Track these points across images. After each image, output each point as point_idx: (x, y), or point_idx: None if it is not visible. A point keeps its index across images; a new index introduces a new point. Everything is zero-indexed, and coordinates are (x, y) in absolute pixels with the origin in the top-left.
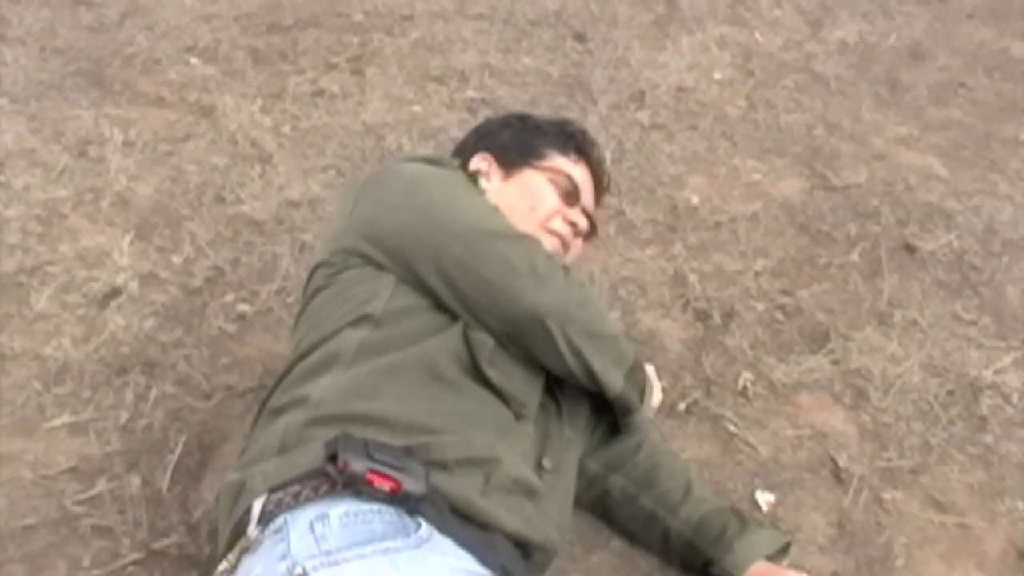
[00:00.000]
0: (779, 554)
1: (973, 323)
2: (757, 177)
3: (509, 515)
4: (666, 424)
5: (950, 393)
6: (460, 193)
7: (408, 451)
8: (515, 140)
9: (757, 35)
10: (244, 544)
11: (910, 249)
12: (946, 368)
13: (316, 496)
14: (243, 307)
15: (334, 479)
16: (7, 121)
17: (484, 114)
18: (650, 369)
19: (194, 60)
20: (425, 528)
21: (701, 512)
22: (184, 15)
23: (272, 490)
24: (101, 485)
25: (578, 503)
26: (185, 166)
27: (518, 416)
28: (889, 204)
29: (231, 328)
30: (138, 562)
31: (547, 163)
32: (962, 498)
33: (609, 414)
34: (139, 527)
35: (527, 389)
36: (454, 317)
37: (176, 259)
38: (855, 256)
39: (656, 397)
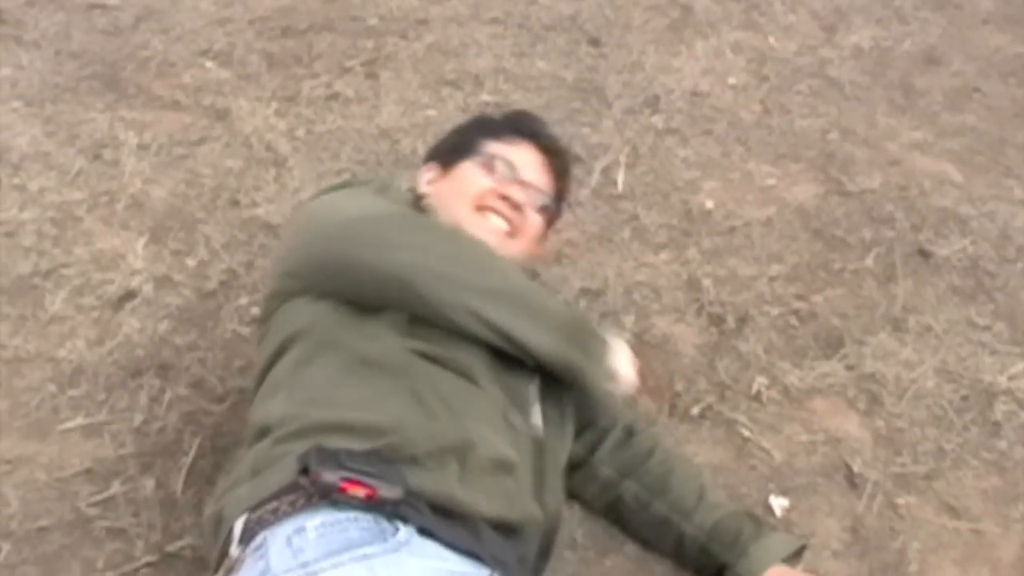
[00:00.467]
0: (794, 557)
1: (987, 329)
2: (771, 182)
3: (489, 500)
4: (680, 428)
5: (964, 399)
6: (349, 199)
7: (377, 454)
8: (455, 141)
9: (771, 40)
10: (228, 564)
11: (924, 254)
12: (960, 374)
13: (293, 510)
14: (257, 310)
15: (309, 492)
16: (22, 124)
17: None
18: (618, 343)
19: (209, 64)
20: (404, 532)
21: (715, 517)
22: (199, 19)
23: (251, 509)
24: (115, 487)
25: (592, 508)
26: (200, 169)
27: (471, 380)
28: (904, 209)
29: (245, 331)
30: (152, 564)
31: (481, 152)
32: (976, 504)
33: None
34: (153, 529)
35: (463, 351)
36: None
37: (190, 262)
38: (869, 261)
39: (623, 366)
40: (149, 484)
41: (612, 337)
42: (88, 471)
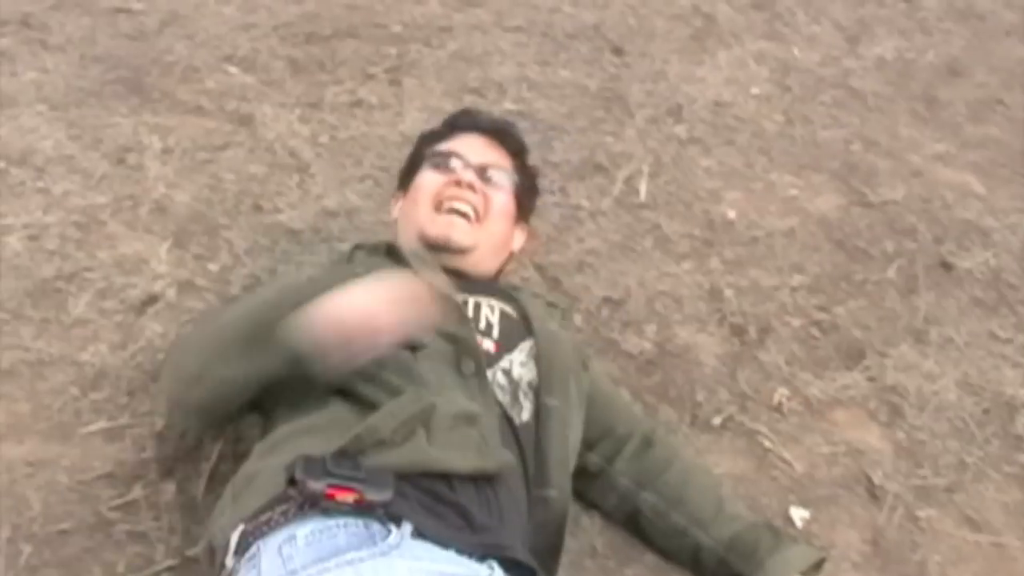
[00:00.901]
0: (813, 570)
1: (1009, 341)
2: (794, 192)
3: (462, 455)
4: (701, 438)
5: (986, 412)
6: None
7: (346, 452)
8: (407, 162)
9: (795, 50)
10: (224, 575)
11: (946, 266)
12: (982, 386)
13: (285, 520)
14: None
15: (299, 501)
16: (47, 128)
17: (522, 126)
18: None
19: (233, 69)
20: (395, 535)
21: (733, 529)
22: (223, 24)
23: (246, 520)
24: (137, 491)
25: (611, 519)
26: (223, 174)
27: (411, 347)
28: (926, 221)
29: None
30: (172, 568)
31: (429, 157)
32: (997, 517)
33: None
34: (174, 534)
35: None
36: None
37: (213, 267)
38: (891, 273)
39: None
40: (170, 488)
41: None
42: (110, 474)
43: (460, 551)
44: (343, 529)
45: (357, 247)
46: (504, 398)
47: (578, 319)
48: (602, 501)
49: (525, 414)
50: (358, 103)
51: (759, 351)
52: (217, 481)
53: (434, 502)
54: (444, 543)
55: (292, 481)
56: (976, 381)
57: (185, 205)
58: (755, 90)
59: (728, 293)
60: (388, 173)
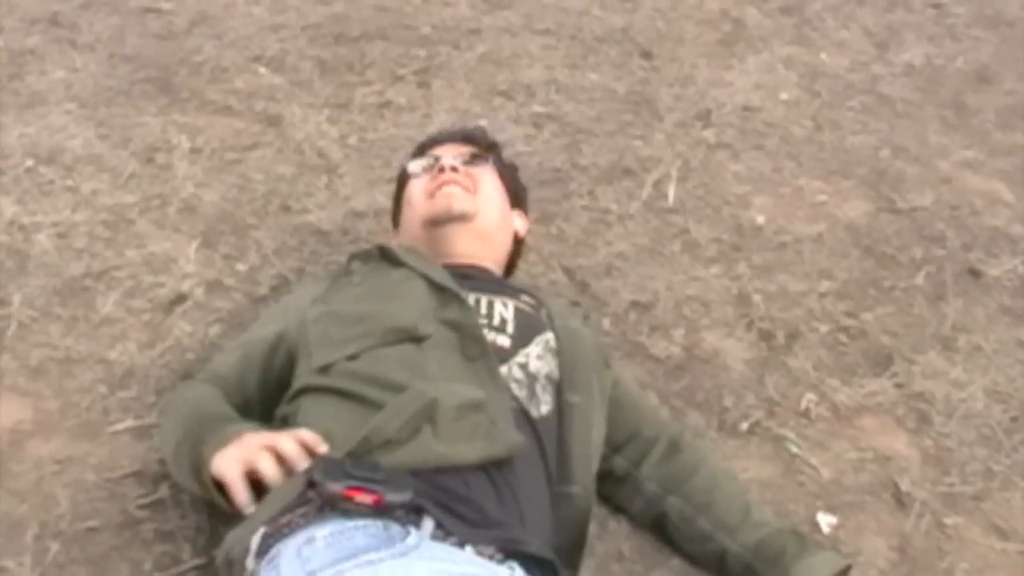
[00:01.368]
0: None
1: None
2: (822, 198)
3: (470, 445)
4: (728, 444)
5: (1013, 419)
6: None
7: (355, 455)
8: (395, 197)
9: (823, 56)
10: None
11: (975, 274)
12: (1010, 394)
13: (305, 522)
14: None
15: (318, 503)
16: (76, 126)
17: (550, 129)
18: None
19: (262, 69)
20: (414, 537)
21: (759, 535)
22: (252, 25)
23: (266, 523)
24: (164, 490)
25: (637, 523)
26: (251, 174)
27: (413, 339)
28: (954, 228)
29: None
30: (200, 567)
31: (411, 172)
32: None
33: None
34: (201, 533)
35: (378, 322)
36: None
37: (241, 267)
38: (920, 280)
39: None
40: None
41: None
42: (137, 473)
43: (479, 551)
44: (362, 530)
45: (353, 257)
46: (521, 392)
47: (606, 323)
48: (628, 505)
49: (544, 408)
50: (387, 104)
51: (787, 356)
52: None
53: (448, 499)
54: (461, 542)
55: (311, 483)
56: (1004, 389)
57: (213, 205)
58: (784, 95)
59: (756, 298)
60: None
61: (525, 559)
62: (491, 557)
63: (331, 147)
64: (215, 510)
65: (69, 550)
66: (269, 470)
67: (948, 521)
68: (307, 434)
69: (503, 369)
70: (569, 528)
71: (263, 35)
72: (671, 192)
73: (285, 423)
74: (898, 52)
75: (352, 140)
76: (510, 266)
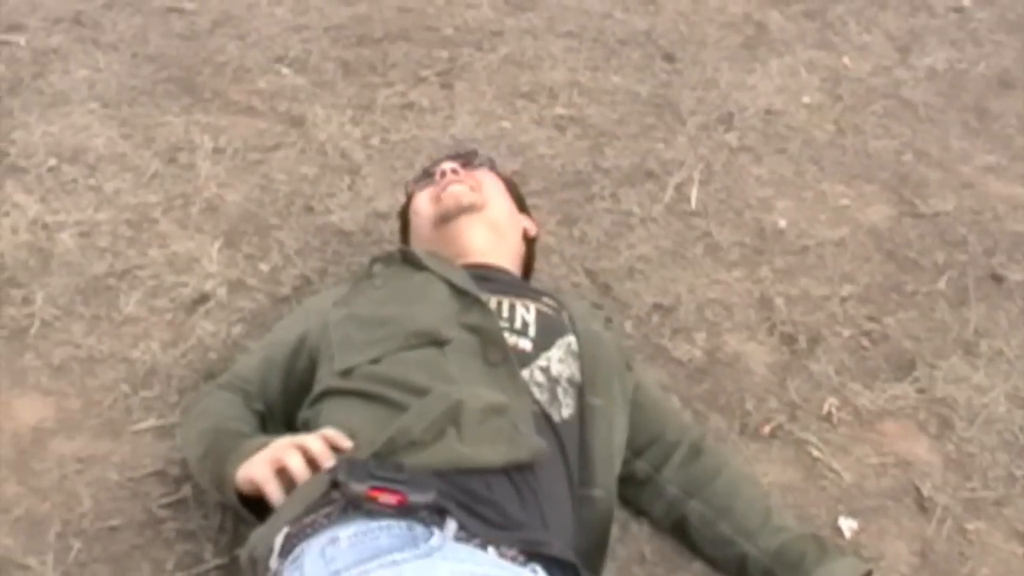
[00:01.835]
0: None
1: None
2: (845, 202)
3: (494, 449)
4: (750, 447)
5: None
6: None
7: (380, 455)
8: (402, 219)
9: (846, 60)
10: None
11: (997, 279)
12: None
13: (328, 522)
14: None
15: (342, 504)
16: (99, 126)
17: (573, 132)
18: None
19: (284, 70)
20: (438, 537)
21: (780, 540)
22: (275, 25)
23: (290, 523)
24: (186, 490)
25: (658, 526)
26: (274, 175)
27: (435, 343)
28: (977, 233)
29: None
30: (221, 567)
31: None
32: None
33: None
34: (224, 532)
35: (400, 326)
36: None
37: (264, 267)
38: (942, 284)
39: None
40: None
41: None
42: (160, 472)
43: (501, 553)
44: (386, 531)
45: (374, 260)
46: (542, 396)
47: (628, 326)
48: (649, 508)
49: (565, 411)
50: (409, 106)
51: (809, 361)
52: None
53: (471, 500)
54: (484, 544)
55: (335, 484)
56: None
57: (236, 205)
58: (806, 99)
59: (778, 302)
60: None
61: (547, 562)
62: (513, 559)
63: (354, 148)
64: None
65: (91, 549)
66: (298, 467)
67: (970, 526)
68: (331, 431)
69: (524, 373)
70: (591, 531)
71: (286, 36)
72: (693, 195)
73: (307, 427)
74: (920, 57)
75: (375, 141)
76: (527, 268)
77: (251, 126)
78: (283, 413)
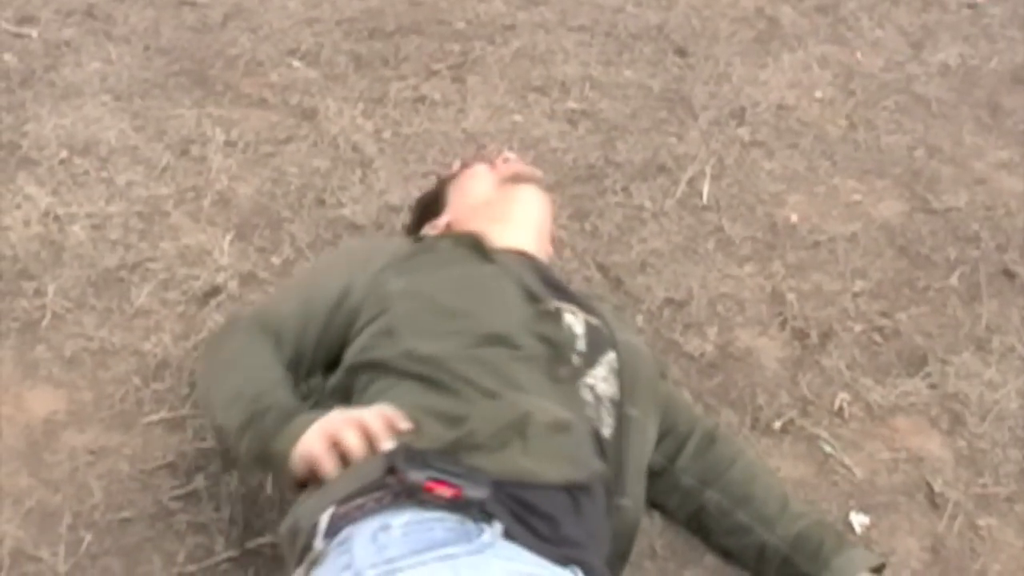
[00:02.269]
0: (874, 574)
1: None
2: (857, 197)
3: (556, 467)
4: (761, 442)
5: None
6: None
7: (446, 452)
8: (430, 200)
9: (858, 55)
10: (312, 557)
11: (1009, 275)
12: None
13: (379, 507)
14: None
15: (395, 490)
16: (111, 118)
17: (585, 126)
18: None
19: (296, 63)
20: (489, 534)
21: (798, 527)
22: (287, 18)
23: (338, 503)
24: (198, 482)
25: (674, 518)
26: (286, 168)
27: (510, 345)
28: (989, 229)
29: None
30: (233, 559)
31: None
32: None
33: None
34: (235, 525)
35: (474, 322)
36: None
37: (276, 260)
38: (954, 280)
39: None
40: (231, 480)
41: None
42: (171, 465)
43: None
44: (440, 523)
45: (440, 238)
46: (591, 414)
47: (640, 320)
48: (665, 500)
49: (607, 430)
50: (421, 99)
51: (821, 356)
52: None
53: (524, 511)
54: (535, 548)
55: (391, 470)
56: None
57: (248, 198)
58: (818, 94)
59: (790, 297)
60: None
61: (583, 567)
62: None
63: (366, 141)
64: (249, 502)
65: (102, 541)
66: (355, 444)
67: (981, 522)
68: (390, 410)
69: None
70: (617, 540)
71: (298, 29)
72: (705, 190)
73: (346, 397)
74: (933, 52)
75: (387, 134)
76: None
77: (263, 119)
78: (309, 366)
